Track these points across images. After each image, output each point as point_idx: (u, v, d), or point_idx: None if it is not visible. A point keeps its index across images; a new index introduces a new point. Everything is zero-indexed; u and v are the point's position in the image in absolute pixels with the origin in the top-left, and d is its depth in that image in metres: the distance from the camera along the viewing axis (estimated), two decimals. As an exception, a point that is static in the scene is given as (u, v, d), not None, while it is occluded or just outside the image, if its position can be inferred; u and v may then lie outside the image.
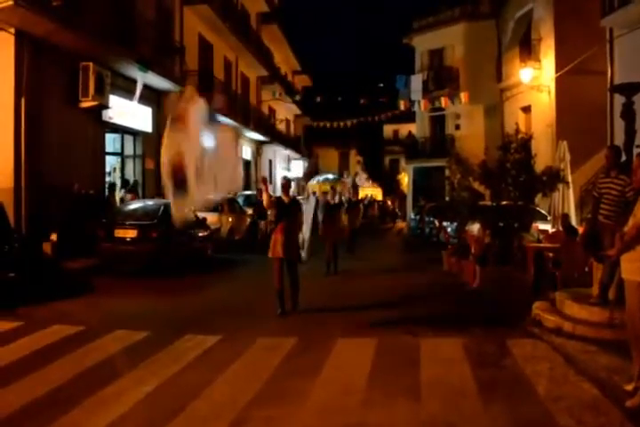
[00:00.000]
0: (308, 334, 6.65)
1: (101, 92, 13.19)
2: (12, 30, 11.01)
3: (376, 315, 7.83)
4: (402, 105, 25.68)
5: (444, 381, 5.00)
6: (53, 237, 10.57)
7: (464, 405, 4.45)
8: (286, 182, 8.47)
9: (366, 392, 4.70)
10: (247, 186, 27.74)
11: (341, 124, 28.65)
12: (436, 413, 4.30)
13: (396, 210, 42.44)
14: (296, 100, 34.38)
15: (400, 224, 34.47)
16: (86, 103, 13.04)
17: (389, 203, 43.75)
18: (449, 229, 14.87)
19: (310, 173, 41.95)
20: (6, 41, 11.08)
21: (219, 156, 6.61)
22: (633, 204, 4.78)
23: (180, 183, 6.07)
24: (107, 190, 14.50)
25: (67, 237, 11.03)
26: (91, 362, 5.51)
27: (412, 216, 23.74)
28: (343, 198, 13.66)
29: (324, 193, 13.39)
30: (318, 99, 29.78)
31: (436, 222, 17.45)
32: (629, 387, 4.48)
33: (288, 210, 7.83)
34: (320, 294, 9.46)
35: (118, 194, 15.13)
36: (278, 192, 33.84)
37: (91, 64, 12.78)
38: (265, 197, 8.05)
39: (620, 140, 10.12)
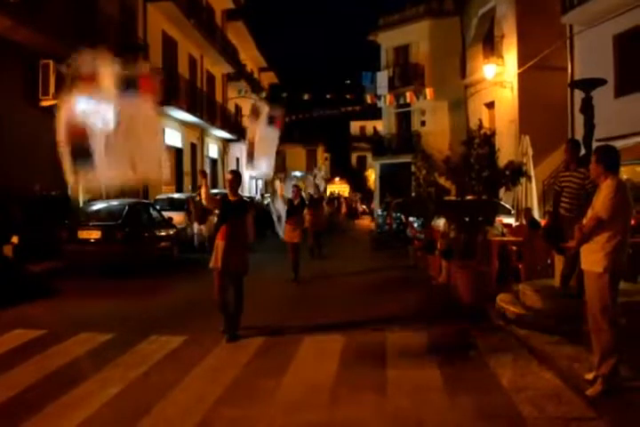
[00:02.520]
0: (274, 333, 6.64)
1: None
2: (-33, 27, 10.73)
3: (343, 312, 7.86)
4: (368, 100, 25.79)
5: (411, 375, 5.05)
6: (14, 239, 10.32)
7: (430, 398, 4.50)
8: (233, 177, 6.73)
9: (333, 389, 4.72)
10: (214, 184, 27.52)
11: (308, 120, 28.66)
12: (403, 407, 4.34)
13: (357, 205, 41.05)
14: (262, 97, 34.21)
15: (363, 221, 34.26)
16: (47, 102, 12.74)
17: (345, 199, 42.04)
18: (415, 225, 14.98)
19: (277, 170, 41.72)
20: (-39, 38, 10.80)
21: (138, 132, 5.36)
22: (591, 196, 4.89)
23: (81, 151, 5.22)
24: (69, 191, 14.22)
25: (29, 239, 10.78)
26: (55, 366, 5.41)
27: (380, 212, 23.88)
28: (303, 194, 12.60)
29: (296, 186, 11.88)
30: (284, 96, 29.68)
31: (403, 218, 17.58)
32: (590, 376, 4.59)
33: (234, 211, 6.49)
34: (286, 294, 9.46)
35: (82, 194, 14.86)
36: (248, 193, 33.43)
37: (51, 62, 12.51)
38: (203, 192, 6.66)
39: (580, 134, 10.33)
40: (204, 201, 6.80)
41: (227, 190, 6.77)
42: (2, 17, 10.49)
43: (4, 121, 11.62)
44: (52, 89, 12.59)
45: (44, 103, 12.77)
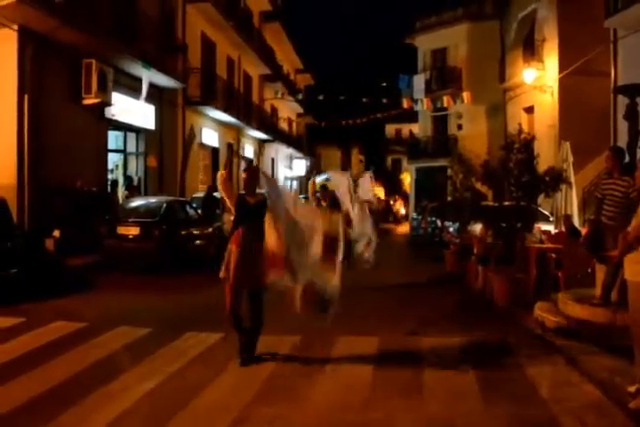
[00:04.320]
0: (308, 333, 6.63)
1: (104, 90, 13.19)
2: (16, 27, 11.02)
3: (378, 314, 7.84)
4: (405, 104, 25.71)
5: (447, 381, 5.00)
6: (56, 233, 10.58)
7: (466, 405, 4.44)
8: (249, 174, 5.81)
9: (368, 391, 4.70)
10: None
11: (343, 122, 28.69)
12: (438, 412, 4.30)
13: (391, 206, 38.90)
14: (298, 98, 34.39)
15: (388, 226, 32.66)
16: (89, 100, 13.04)
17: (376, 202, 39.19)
18: (451, 229, 14.85)
19: (312, 172, 41.73)
20: (9, 38, 11.09)
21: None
22: (636, 204, 4.78)
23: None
24: (109, 187, 14.52)
25: (69, 233, 11.04)
26: (93, 358, 5.51)
27: (415, 216, 23.72)
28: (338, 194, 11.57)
29: (323, 188, 10.82)
30: (321, 97, 29.79)
31: (439, 222, 17.43)
32: (632, 388, 4.47)
33: (251, 213, 5.57)
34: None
35: (121, 191, 15.18)
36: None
37: (93, 61, 12.77)
38: (220, 176, 5.72)
39: (623, 141, 10.11)
40: (219, 188, 5.83)
41: (244, 189, 5.84)
42: (49, 17, 10.74)
43: (47, 118, 11.90)
44: (94, 87, 12.86)
45: (87, 101, 13.06)
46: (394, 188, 48.52)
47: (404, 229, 29.72)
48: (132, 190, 14.87)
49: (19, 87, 11.19)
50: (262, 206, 5.66)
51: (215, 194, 16.47)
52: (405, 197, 40.80)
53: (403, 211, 37.46)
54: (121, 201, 13.99)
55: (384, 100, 27.34)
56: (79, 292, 8.86)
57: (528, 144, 10.22)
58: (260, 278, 5.50)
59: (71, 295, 8.56)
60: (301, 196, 26.42)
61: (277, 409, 4.33)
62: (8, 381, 4.83)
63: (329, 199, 10.27)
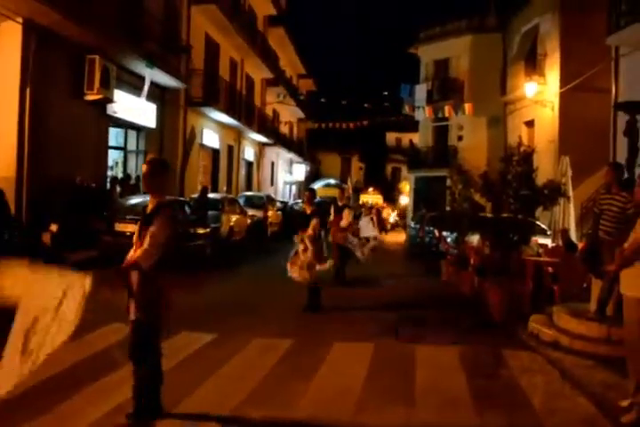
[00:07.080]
0: (304, 337, 6.63)
1: (107, 86, 13.18)
2: (20, 20, 10.99)
3: (373, 321, 7.80)
4: (406, 109, 25.87)
5: (439, 388, 4.99)
6: (53, 227, 10.52)
7: (458, 414, 4.44)
8: (150, 166, 4.17)
9: (360, 397, 4.69)
10: (249, 188, 27.77)
11: (344, 128, 28.76)
12: (430, 420, 4.30)
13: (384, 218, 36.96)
14: (300, 99, 34.38)
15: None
16: (91, 96, 13.03)
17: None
18: (449, 240, 14.85)
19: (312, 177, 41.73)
20: (14, 30, 11.05)
21: None
22: (634, 220, 4.81)
23: None
24: (109, 184, 14.48)
25: (66, 228, 10.99)
26: (86, 354, 5.48)
27: (412, 225, 23.72)
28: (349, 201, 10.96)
29: (311, 190, 9.49)
30: (322, 102, 29.91)
31: (436, 232, 17.42)
32: (625, 403, 4.48)
33: (143, 222, 4.24)
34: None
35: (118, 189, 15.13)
36: (281, 197, 33.16)
37: (97, 57, 12.76)
38: None
39: (622, 157, 10.17)
40: None
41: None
42: (51, 11, 10.69)
43: (48, 112, 11.87)
44: (97, 84, 12.84)
45: (89, 97, 13.05)
46: (389, 196, 48.51)
47: (391, 238, 29.13)
48: (126, 188, 14.69)
49: (21, 80, 11.16)
50: (153, 211, 4.06)
51: (210, 195, 16.61)
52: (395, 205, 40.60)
53: (392, 219, 37.25)
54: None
55: (385, 104, 27.41)
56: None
57: (527, 157, 10.26)
58: (138, 306, 4.40)
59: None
60: (299, 200, 26.51)
61: (267, 412, 4.30)
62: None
63: (315, 204, 8.94)
